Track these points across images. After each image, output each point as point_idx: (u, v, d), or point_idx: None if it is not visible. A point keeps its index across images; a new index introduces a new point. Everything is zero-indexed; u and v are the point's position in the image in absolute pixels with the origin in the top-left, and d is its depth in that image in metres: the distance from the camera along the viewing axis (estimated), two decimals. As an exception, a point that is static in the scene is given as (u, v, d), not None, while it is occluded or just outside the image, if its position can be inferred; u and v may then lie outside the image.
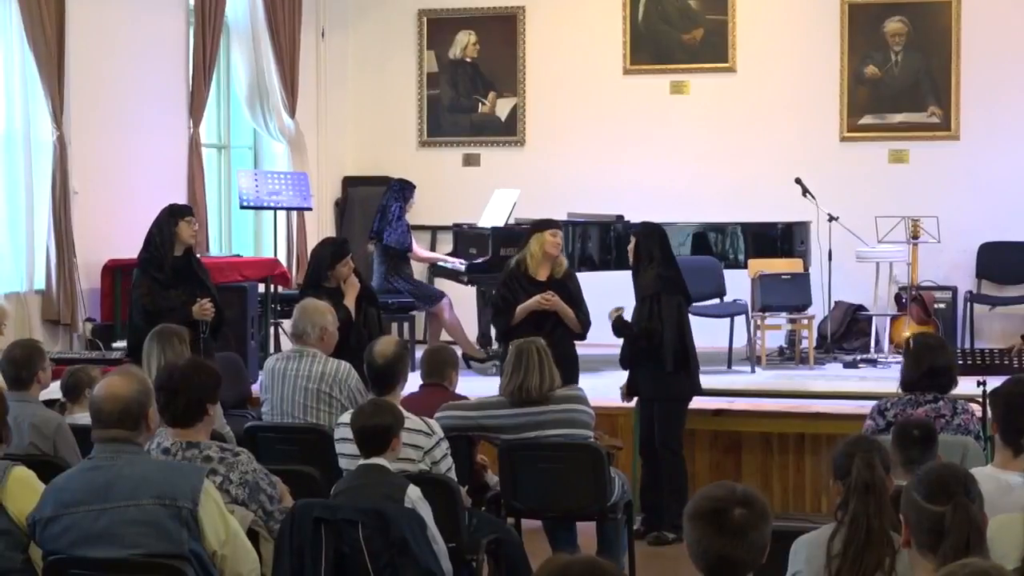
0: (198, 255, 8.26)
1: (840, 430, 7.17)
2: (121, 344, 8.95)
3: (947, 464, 3.45)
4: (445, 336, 10.63)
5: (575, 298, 7.88)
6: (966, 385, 6.43)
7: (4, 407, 4.60)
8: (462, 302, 11.00)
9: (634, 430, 8.02)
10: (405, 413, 5.26)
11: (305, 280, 8.17)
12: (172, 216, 7.89)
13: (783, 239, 10.67)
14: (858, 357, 10.67)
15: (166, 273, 7.78)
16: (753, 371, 10.15)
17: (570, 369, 7.59)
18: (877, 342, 10.96)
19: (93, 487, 4.05)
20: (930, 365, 5.88)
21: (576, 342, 7.91)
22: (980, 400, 6.46)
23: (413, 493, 4.74)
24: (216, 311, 7.88)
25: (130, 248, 9.52)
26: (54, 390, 6.42)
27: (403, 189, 10.87)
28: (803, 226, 10.79)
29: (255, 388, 7.87)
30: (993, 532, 3.36)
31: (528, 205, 11.04)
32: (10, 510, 4.25)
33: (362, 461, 4.91)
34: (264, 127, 11.70)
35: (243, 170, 11.46)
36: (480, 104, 12.70)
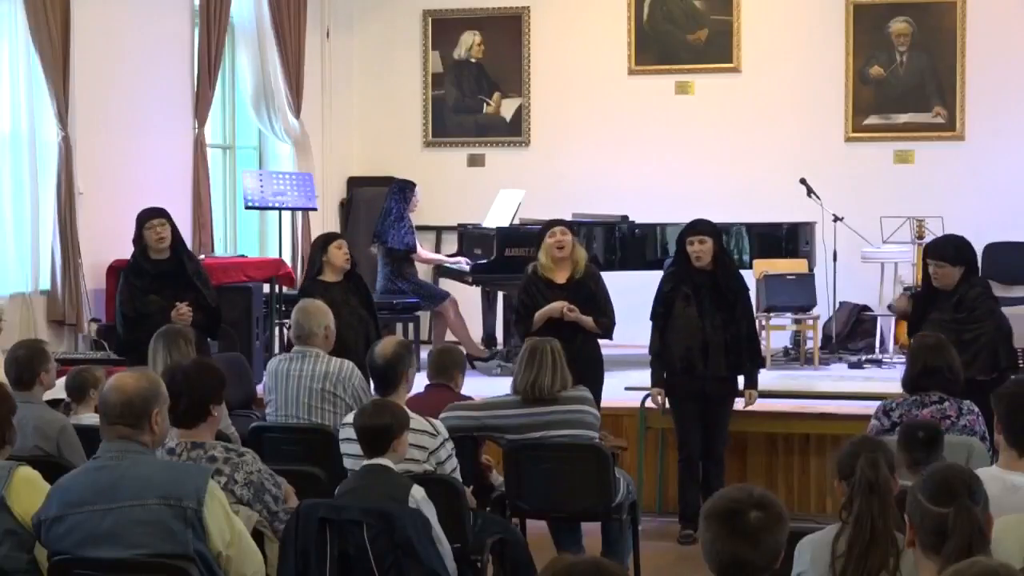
0: (191, 252, 8.23)
1: (845, 430, 7.17)
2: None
3: (952, 465, 3.44)
4: (450, 336, 10.64)
5: (596, 299, 7.68)
6: (971, 386, 6.42)
7: (11, 407, 4.60)
8: (467, 302, 11.01)
9: (642, 434, 8.02)
10: (410, 413, 5.26)
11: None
12: (138, 224, 7.90)
13: (788, 239, 10.67)
14: (863, 358, 10.66)
15: (145, 279, 7.79)
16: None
17: (595, 371, 7.56)
18: (882, 343, 10.95)
19: (98, 487, 4.05)
20: (924, 364, 5.87)
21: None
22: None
23: (417, 493, 4.74)
24: (209, 309, 7.87)
25: (135, 249, 9.56)
26: (59, 390, 6.43)
27: (403, 190, 10.89)
28: (808, 226, 10.78)
29: (259, 389, 7.88)
30: (998, 532, 3.35)
31: (533, 206, 11.05)
32: (15, 511, 4.25)
33: (366, 462, 4.91)
34: (269, 128, 11.71)
35: (248, 170, 11.47)
36: (485, 104, 12.71)
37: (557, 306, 7.59)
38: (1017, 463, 4.32)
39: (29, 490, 4.29)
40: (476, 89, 12.73)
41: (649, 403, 7.98)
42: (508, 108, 12.64)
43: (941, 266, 6.97)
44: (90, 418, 6.00)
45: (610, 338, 7.75)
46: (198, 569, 3.99)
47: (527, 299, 7.75)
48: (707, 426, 7.55)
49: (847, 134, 11.94)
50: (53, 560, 4.11)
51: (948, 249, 7.06)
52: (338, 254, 7.80)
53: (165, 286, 7.79)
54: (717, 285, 7.44)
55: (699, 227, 7.52)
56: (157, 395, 4.19)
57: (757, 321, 10.28)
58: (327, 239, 7.99)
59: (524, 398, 6.26)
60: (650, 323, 7.62)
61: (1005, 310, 11.23)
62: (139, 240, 7.88)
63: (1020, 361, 7.23)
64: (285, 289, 10.46)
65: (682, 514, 7.64)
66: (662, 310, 7.55)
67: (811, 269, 10.68)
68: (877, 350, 10.88)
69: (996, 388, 6.56)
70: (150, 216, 7.94)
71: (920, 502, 3.24)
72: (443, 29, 12.73)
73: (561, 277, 7.71)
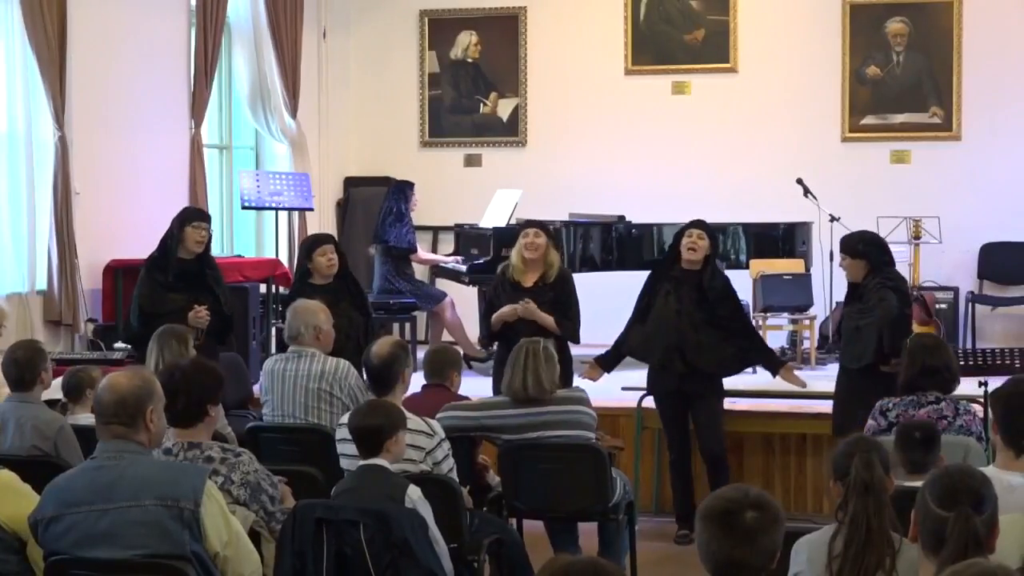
0: (214, 259, 8.25)
1: (842, 430, 7.17)
2: (122, 344, 8.96)
3: (965, 469, 3.41)
4: (447, 336, 10.63)
5: (561, 302, 7.69)
6: (967, 386, 6.43)
7: None
8: (464, 302, 11.00)
9: (639, 434, 8.00)
10: (407, 414, 5.25)
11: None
12: (181, 221, 7.90)
13: (785, 239, 10.67)
14: (859, 357, 10.65)
15: (169, 276, 7.79)
16: (755, 371, 10.12)
17: (563, 373, 7.55)
18: (879, 342, 10.95)
19: (95, 487, 4.05)
20: (923, 364, 5.89)
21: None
22: (982, 401, 6.46)
23: (414, 493, 4.73)
24: (224, 316, 7.88)
25: (132, 249, 9.56)
26: (55, 390, 6.43)
27: (402, 190, 10.88)
28: (805, 226, 10.78)
29: (256, 389, 7.87)
30: (995, 532, 3.36)
31: (530, 205, 11.04)
32: (-1, 515, 4.26)
33: (361, 462, 4.91)
34: (266, 128, 11.71)
35: (245, 171, 11.46)
36: (482, 104, 12.71)
37: (507, 311, 7.62)
38: (1014, 463, 4.32)
39: (8, 493, 4.29)
40: (473, 89, 12.73)
41: (647, 403, 8.01)
42: (505, 108, 12.64)
43: (844, 258, 7.36)
44: (87, 418, 5.99)
45: (575, 342, 7.70)
46: (195, 570, 3.99)
47: (493, 299, 7.83)
48: (695, 426, 7.56)
49: (844, 134, 11.94)
50: (50, 560, 4.10)
51: (848, 243, 7.40)
52: (321, 261, 7.73)
53: (187, 286, 7.81)
54: (700, 285, 7.45)
55: (700, 224, 7.59)
56: (151, 393, 4.18)
57: (754, 321, 10.31)
58: (310, 247, 7.89)
59: (514, 399, 6.26)
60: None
61: (1001, 310, 11.41)
62: (174, 235, 7.86)
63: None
64: (282, 289, 10.45)
65: (678, 514, 7.65)
66: (641, 304, 7.61)
67: (807, 269, 10.67)
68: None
69: (888, 373, 6.82)
70: (200, 217, 8.01)
71: (926, 501, 3.25)
72: (440, 29, 12.73)
73: (530, 280, 7.73)
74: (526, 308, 7.58)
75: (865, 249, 7.27)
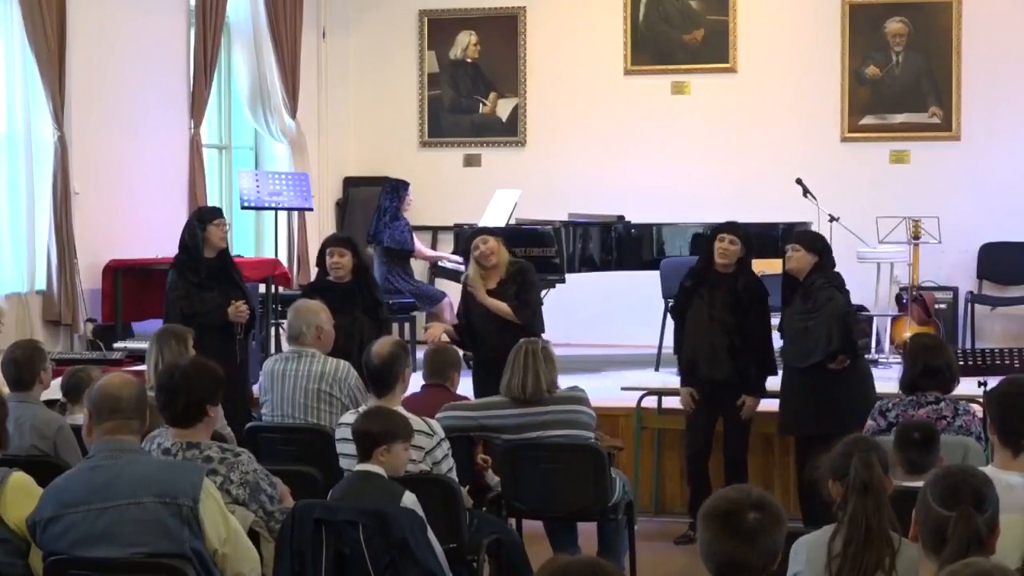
0: (233, 256, 8.32)
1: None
2: (122, 344, 8.97)
3: (966, 469, 3.41)
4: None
5: (519, 293, 7.74)
6: (967, 386, 6.44)
7: (3, 411, 4.59)
8: (463, 302, 10.99)
9: (638, 434, 8.00)
10: (407, 414, 5.24)
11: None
12: (201, 220, 7.96)
13: (784, 240, 10.60)
14: (859, 357, 10.64)
15: (201, 275, 7.84)
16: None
17: None
18: (878, 342, 10.95)
19: (93, 486, 4.05)
20: (925, 364, 5.89)
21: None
22: (981, 401, 6.47)
23: (408, 499, 4.70)
24: (252, 310, 7.95)
25: (131, 249, 9.57)
26: (54, 390, 6.43)
27: (395, 189, 10.88)
28: (804, 227, 10.77)
29: (256, 389, 7.87)
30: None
31: (529, 205, 11.05)
32: (8, 518, 4.24)
33: (356, 467, 4.89)
34: (265, 127, 11.71)
35: (244, 171, 11.46)
36: (481, 104, 12.71)
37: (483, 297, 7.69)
38: (1012, 463, 4.32)
39: (22, 496, 4.28)
40: (472, 89, 12.73)
41: (647, 403, 8.00)
42: (504, 108, 12.64)
43: (796, 250, 7.29)
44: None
45: (534, 331, 7.54)
46: (194, 568, 3.99)
47: (462, 309, 7.89)
48: (726, 427, 7.55)
49: (843, 134, 11.94)
50: (49, 560, 4.10)
51: (811, 237, 7.48)
52: (328, 262, 7.82)
53: (218, 284, 7.88)
54: (735, 289, 7.44)
55: (731, 227, 7.56)
56: (145, 390, 4.26)
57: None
58: (323, 246, 8.02)
59: (513, 399, 6.26)
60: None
61: (1001, 310, 11.41)
62: (197, 235, 7.90)
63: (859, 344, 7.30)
64: (281, 289, 10.46)
65: (692, 509, 7.57)
66: (677, 308, 7.60)
67: (807, 269, 10.65)
68: (873, 350, 10.88)
69: (836, 369, 6.83)
70: (219, 214, 8.13)
71: (927, 500, 3.25)
72: (439, 29, 12.73)
73: (493, 282, 7.79)
74: (477, 294, 7.69)
75: (823, 247, 7.31)
